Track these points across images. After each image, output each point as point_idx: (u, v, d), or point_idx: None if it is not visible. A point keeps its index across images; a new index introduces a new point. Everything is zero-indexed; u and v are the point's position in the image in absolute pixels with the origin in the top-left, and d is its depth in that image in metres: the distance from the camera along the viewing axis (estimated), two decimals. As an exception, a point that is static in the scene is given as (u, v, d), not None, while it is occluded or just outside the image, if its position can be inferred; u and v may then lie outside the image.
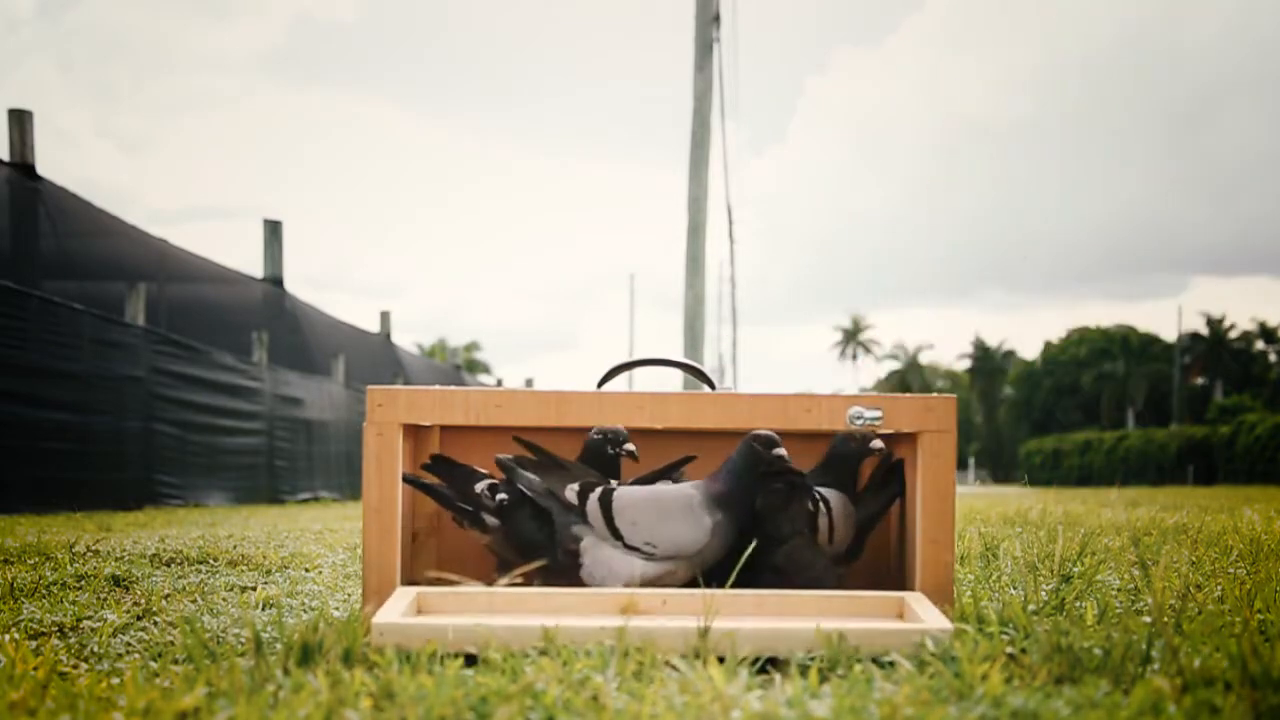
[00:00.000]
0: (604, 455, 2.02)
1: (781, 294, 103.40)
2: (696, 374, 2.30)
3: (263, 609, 2.09)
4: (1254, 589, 1.95)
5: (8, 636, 1.68)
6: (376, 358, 14.29)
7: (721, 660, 1.42)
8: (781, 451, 1.84)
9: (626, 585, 1.82)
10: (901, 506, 2.02)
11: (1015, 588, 2.18)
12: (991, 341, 64.94)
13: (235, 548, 3.39)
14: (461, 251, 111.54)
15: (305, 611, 2.05)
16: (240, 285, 10.63)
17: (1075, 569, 2.12)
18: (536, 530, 1.93)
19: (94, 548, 3.27)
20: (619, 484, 1.94)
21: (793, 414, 1.84)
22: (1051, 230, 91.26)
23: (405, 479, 1.92)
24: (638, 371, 2.36)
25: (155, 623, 1.92)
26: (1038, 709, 1.18)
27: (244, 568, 2.90)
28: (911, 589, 1.83)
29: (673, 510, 1.85)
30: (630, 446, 2.02)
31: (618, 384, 2.26)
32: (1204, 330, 54.32)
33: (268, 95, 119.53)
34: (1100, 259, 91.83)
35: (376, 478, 1.82)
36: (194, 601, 2.21)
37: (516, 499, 1.93)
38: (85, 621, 1.92)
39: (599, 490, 1.88)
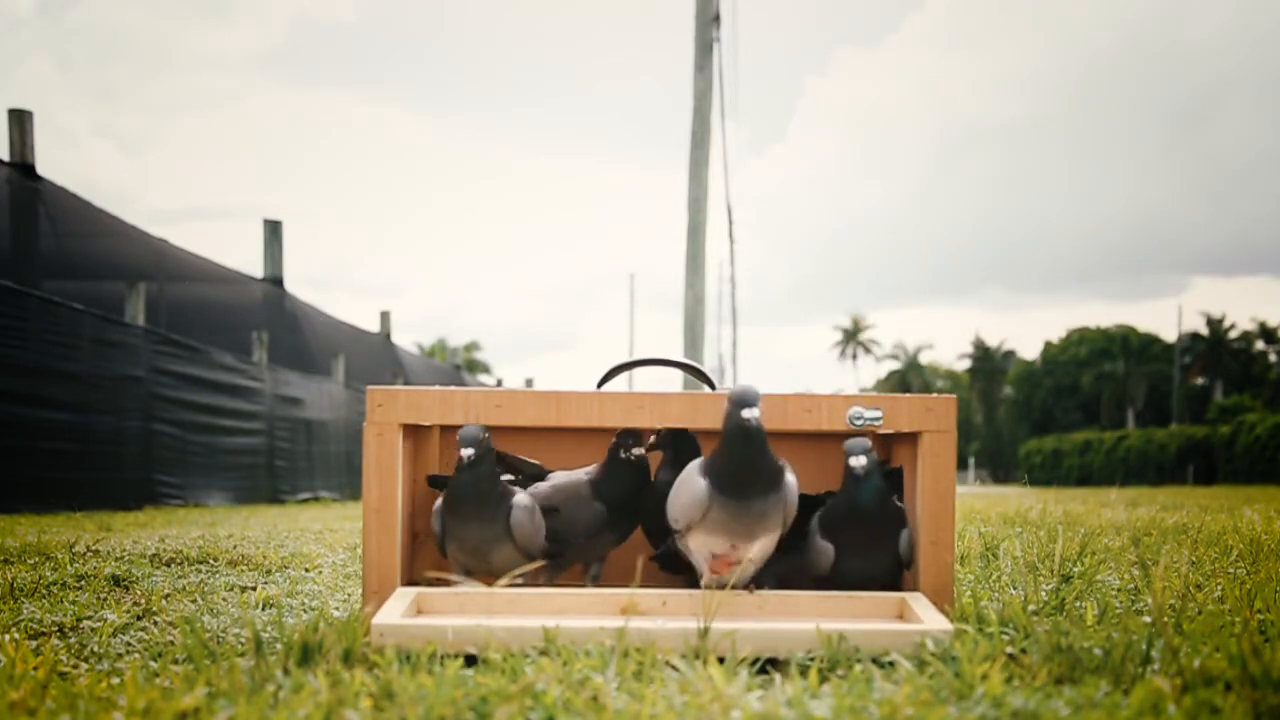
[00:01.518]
0: (618, 457, 2.03)
1: (781, 294, 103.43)
2: (696, 374, 2.29)
3: (263, 609, 2.09)
4: (1254, 589, 1.95)
5: (8, 636, 1.68)
6: (376, 358, 14.29)
7: (721, 660, 1.42)
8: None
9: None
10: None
11: (1015, 588, 2.18)
12: (991, 341, 64.97)
13: (235, 548, 3.39)
14: (461, 251, 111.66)
15: (305, 611, 2.05)
16: (240, 285, 10.63)
17: (1075, 569, 2.12)
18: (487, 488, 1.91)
19: (94, 548, 3.27)
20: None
21: (793, 414, 1.84)
22: (1051, 230, 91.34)
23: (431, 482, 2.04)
24: (638, 371, 2.36)
25: (155, 623, 1.92)
26: (1038, 709, 1.18)
27: (244, 568, 2.90)
28: (911, 589, 1.83)
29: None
30: (638, 451, 2.03)
31: (618, 384, 2.25)
32: (1204, 330, 54.32)
33: (268, 95, 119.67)
34: (1100, 259, 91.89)
35: (376, 478, 1.82)
36: (194, 601, 2.21)
37: (484, 453, 1.88)
38: (85, 621, 1.92)
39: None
